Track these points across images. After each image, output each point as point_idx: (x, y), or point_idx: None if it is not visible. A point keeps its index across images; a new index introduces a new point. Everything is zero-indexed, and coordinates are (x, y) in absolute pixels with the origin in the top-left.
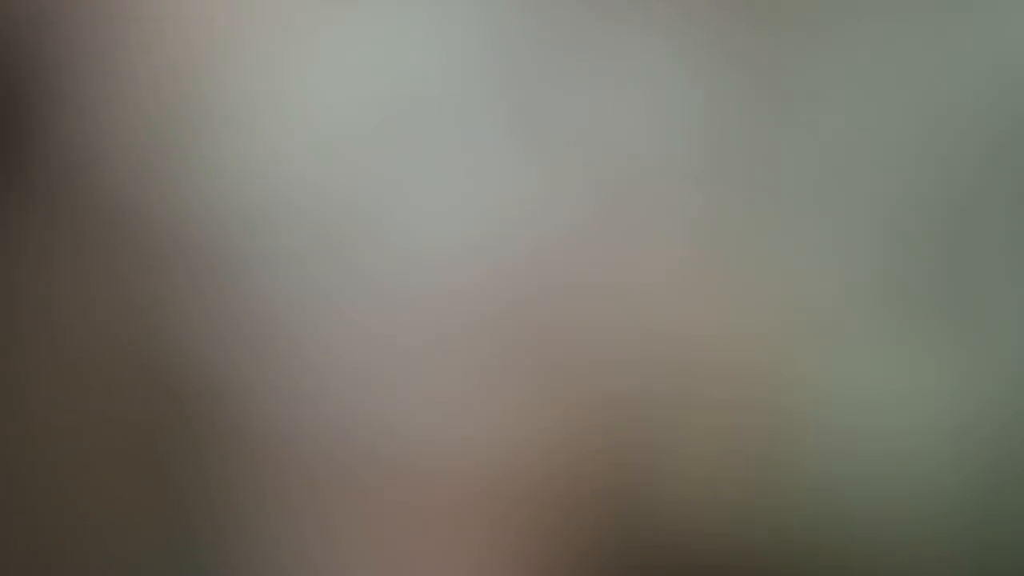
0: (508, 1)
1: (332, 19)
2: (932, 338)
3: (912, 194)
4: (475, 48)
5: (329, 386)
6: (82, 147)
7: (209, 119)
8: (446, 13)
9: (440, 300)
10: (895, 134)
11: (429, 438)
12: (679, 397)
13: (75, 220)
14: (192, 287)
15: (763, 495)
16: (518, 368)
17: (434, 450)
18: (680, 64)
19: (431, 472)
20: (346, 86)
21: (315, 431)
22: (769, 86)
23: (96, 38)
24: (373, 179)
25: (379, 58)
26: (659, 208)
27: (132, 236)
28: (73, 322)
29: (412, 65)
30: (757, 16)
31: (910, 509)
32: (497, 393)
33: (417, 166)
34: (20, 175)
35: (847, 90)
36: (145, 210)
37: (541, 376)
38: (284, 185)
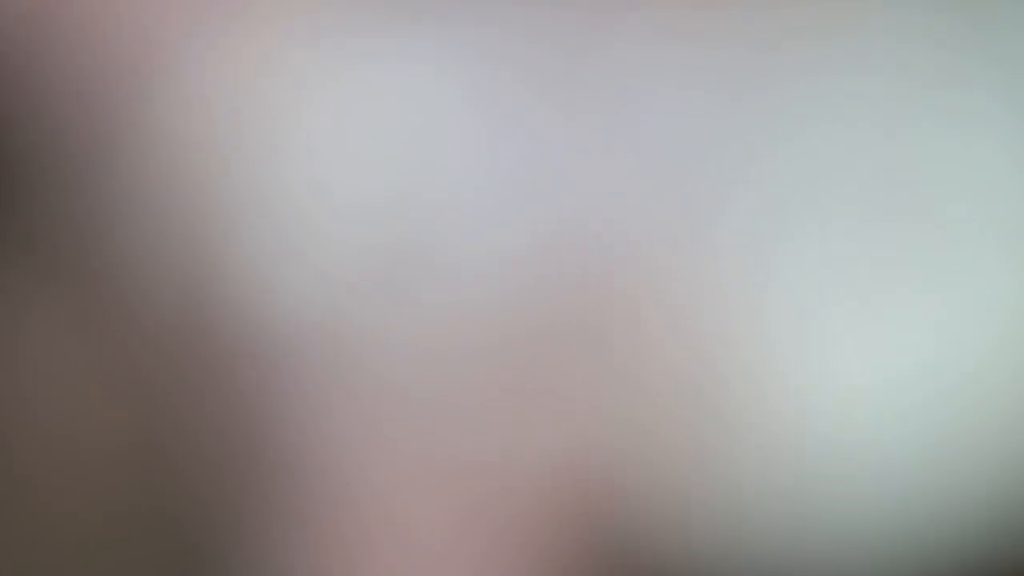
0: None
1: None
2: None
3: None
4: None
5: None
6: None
7: (216, 199)
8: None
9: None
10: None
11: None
12: (676, 407)
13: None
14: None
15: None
16: (518, 384)
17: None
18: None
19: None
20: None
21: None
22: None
23: (103, 122)
24: None
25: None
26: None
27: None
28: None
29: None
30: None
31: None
32: (498, 405)
33: None
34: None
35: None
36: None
37: (539, 388)
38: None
